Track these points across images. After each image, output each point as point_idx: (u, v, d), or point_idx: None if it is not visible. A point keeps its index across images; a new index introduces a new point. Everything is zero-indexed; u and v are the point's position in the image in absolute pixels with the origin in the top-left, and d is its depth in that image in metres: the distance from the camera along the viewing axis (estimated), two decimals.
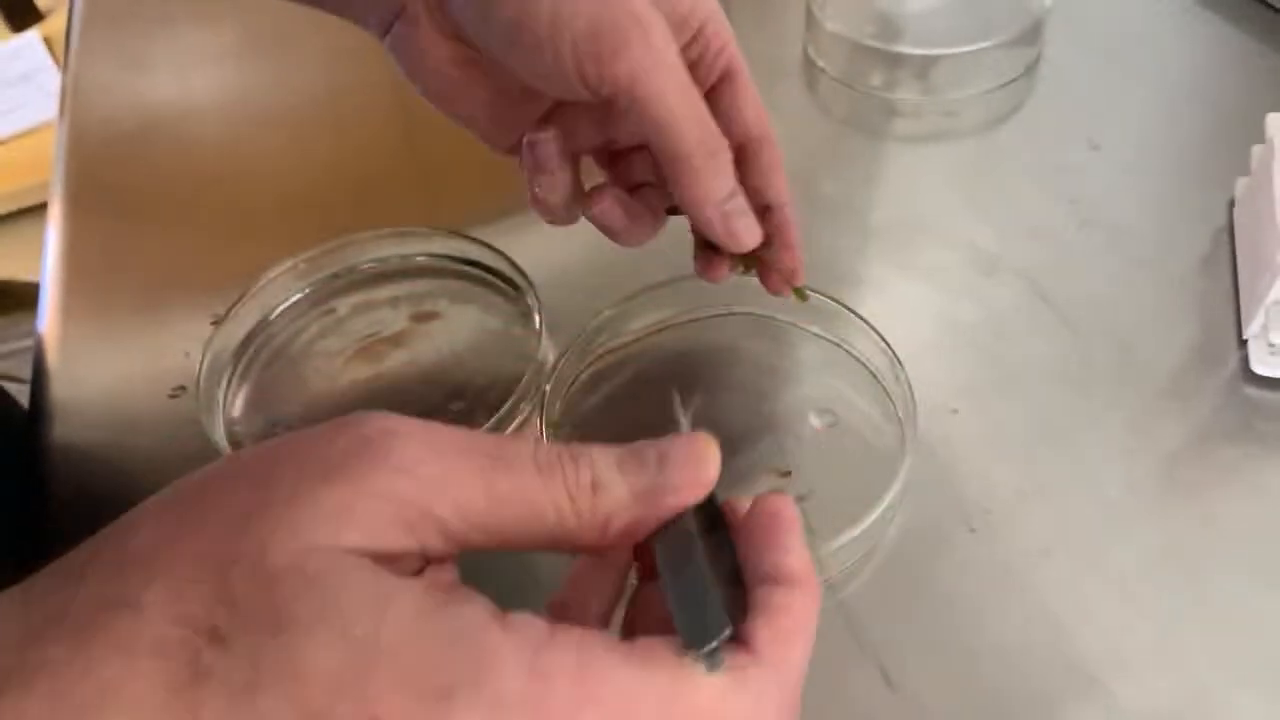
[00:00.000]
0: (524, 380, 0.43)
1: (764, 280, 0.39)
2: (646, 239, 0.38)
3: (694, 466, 0.25)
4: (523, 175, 0.37)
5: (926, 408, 0.41)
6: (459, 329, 0.42)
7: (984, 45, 0.56)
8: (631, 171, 0.39)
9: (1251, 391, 0.43)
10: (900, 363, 0.42)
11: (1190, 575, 0.38)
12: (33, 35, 1.62)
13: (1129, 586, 0.37)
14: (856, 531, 0.37)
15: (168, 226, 0.55)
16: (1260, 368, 0.43)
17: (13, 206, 1.42)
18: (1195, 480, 0.40)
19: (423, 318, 0.48)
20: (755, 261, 0.39)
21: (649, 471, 0.25)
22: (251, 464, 0.22)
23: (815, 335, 0.46)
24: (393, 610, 0.20)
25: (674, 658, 0.22)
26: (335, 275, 0.49)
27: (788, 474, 0.41)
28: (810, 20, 0.60)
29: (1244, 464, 0.41)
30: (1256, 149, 0.49)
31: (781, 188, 0.37)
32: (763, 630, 0.23)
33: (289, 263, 0.48)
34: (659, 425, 0.42)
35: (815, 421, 0.43)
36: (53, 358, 0.49)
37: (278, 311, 0.48)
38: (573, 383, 0.45)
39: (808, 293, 0.41)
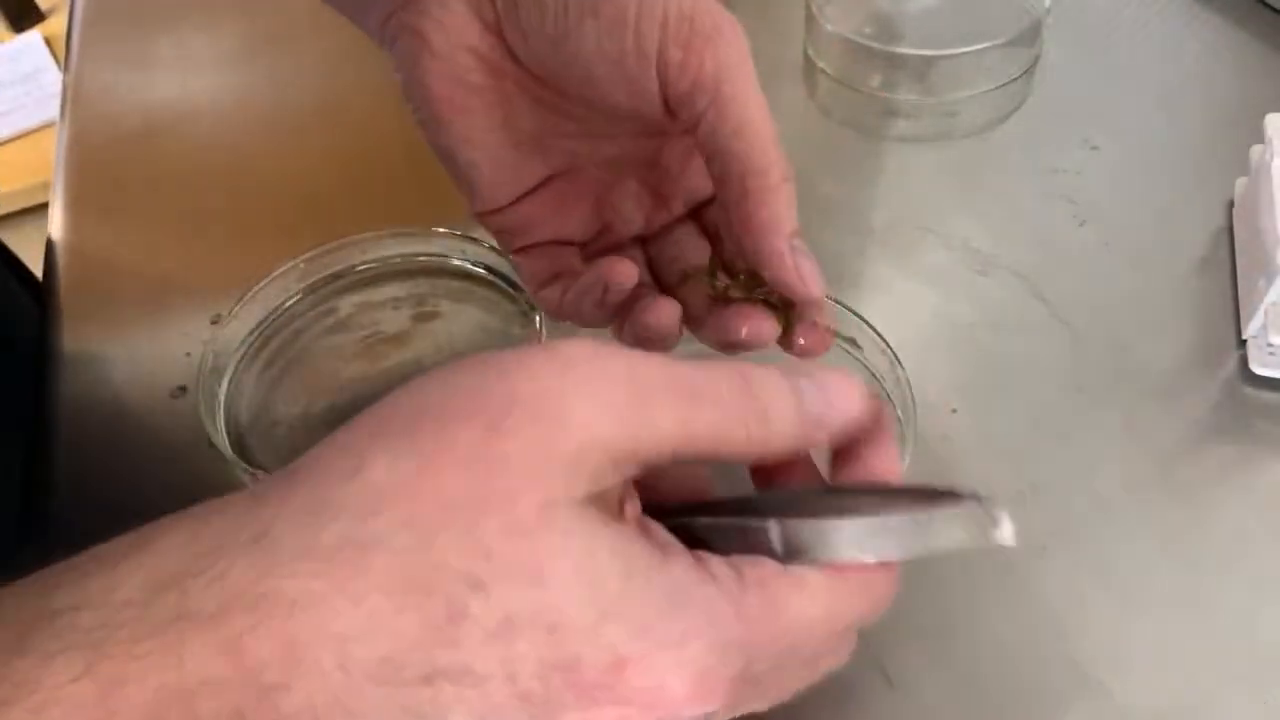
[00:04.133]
0: None
1: (791, 344, 0.35)
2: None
3: (849, 407, 0.27)
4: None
5: (925, 407, 0.41)
6: (459, 329, 0.42)
7: (983, 46, 0.56)
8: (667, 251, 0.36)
9: (1250, 392, 0.43)
10: (899, 362, 0.42)
11: (1187, 574, 0.38)
12: (34, 36, 1.62)
13: (1126, 585, 0.37)
14: None
15: (168, 227, 0.55)
16: (1259, 368, 0.43)
17: (14, 207, 1.43)
18: (1193, 480, 0.40)
19: (423, 318, 0.48)
20: (790, 322, 0.34)
21: (816, 408, 0.26)
22: (466, 395, 0.23)
23: None
24: (633, 568, 0.23)
25: (824, 580, 0.25)
26: (336, 275, 0.49)
27: None
28: (810, 20, 0.60)
29: (1242, 464, 0.41)
30: (1255, 149, 0.49)
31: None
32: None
33: (290, 263, 0.48)
34: None
35: None
36: (55, 358, 0.49)
37: (278, 312, 0.48)
38: None
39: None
